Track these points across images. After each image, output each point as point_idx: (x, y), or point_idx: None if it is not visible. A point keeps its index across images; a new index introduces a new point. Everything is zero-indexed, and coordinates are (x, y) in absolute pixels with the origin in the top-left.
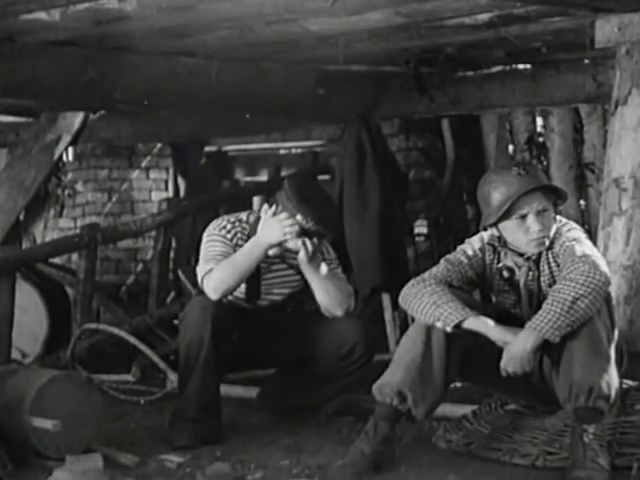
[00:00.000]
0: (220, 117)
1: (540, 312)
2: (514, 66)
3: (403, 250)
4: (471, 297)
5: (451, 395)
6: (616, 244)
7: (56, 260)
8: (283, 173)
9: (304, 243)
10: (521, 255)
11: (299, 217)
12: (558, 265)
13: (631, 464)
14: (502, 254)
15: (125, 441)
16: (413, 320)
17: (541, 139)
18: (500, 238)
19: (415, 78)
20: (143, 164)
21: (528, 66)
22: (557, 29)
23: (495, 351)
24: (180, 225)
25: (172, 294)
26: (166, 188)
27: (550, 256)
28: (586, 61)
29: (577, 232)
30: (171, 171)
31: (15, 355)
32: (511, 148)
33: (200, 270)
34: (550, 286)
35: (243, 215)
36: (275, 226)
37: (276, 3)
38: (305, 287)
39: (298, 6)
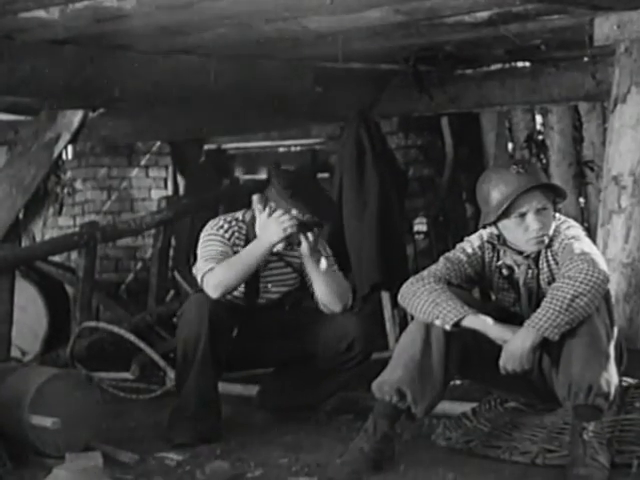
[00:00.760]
0: (219, 115)
1: (539, 310)
2: (513, 64)
3: (402, 248)
4: (470, 295)
5: (450, 393)
6: (615, 242)
7: (55, 258)
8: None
9: (305, 236)
10: (520, 253)
11: (294, 212)
12: (557, 263)
13: (631, 462)
14: (501, 252)
15: (124, 439)
16: (412, 318)
17: (540, 137)
18: (499, 236)
19: (414, 76)
20: (142, 162)
21: (527, 64)
22: (556, 27)
23: (494, 349)
24: (179, 223)
25: (171, 292)
26: (165, 186)
27: (549, 254)
28: (585, 59)
29: (576, 230)
30: (170, 169)
31: (15, 353)
32: (510, 146)
33: (199, 269)
34: (549, 284)
35: (239, 214)
36: (273, 225)
37: (275, 1)
38: (302, 285)
39: (297, 4)
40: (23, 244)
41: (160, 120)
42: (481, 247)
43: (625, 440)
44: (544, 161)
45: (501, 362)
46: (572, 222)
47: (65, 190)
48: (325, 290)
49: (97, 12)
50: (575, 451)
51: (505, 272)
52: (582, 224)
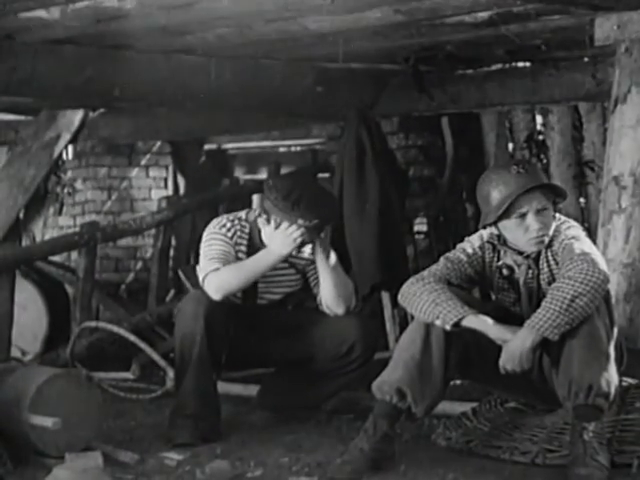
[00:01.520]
0: (219, 115)
1: (539, 310)
2: (514, 64)
3: (403, 248)
4: (470, 295)
5: (451, 393)
6: (616, 242)
7: (56, 258)
8: (282, 171)
9: (318, 237)
10: (520, 253)
11: (301, 221)
12: (557, 263)
13: (631, 461)
14: (502, 252)
15: (125, 439)
16: (412, 318)
17: (541, 137)
18: (500, 236)
19: (415, 76)
20: (143, 162)
21: (528, 64)
22: (557, 27)
23: (494, 349)
24: (180, 223)
25: (172, 292)
26: (166, 186)
27: (549, 254)
28: (586, 59)
29: (576, 230)
30: (171, 169)
31: (15, 353)
32: (511, 146)
33: (203, 268)
34: (549, 284)
35: (242, 213)
36: (282, 238)
37: (276, 1)
38: (305, 286)
39: (298, 4)
40: (23, 244)
41: (160, 120)
42: (481, 247)
43: (625, 440)
44: (544, 161)
45: (501, 362)
46: (572, 222)
47: (65, 190)
48: (331, 291)
49: (97, 12)
50: (575, 451)
51: (505, 272)
52: (582, 224)
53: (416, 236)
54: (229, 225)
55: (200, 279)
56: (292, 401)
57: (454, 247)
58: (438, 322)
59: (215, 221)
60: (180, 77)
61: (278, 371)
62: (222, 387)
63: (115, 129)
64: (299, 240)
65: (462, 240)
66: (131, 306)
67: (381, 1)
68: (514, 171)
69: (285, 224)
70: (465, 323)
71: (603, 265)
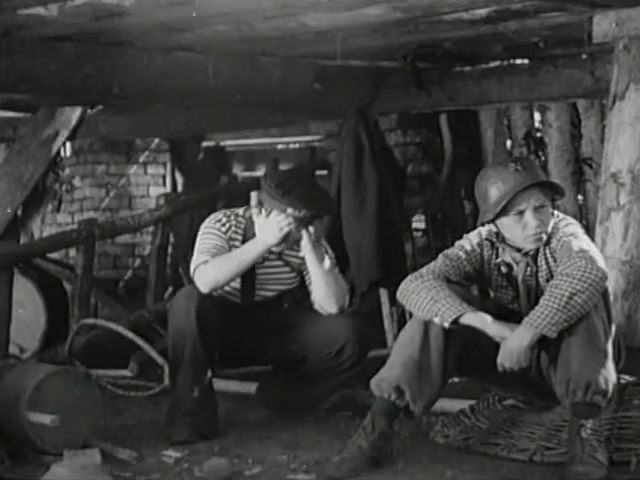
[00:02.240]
0: (218, 112)
1: (537, 308)
2: (512, 61)
3: (401, 245)
4: (469, 292)
5: (449, 390)
6: (614, 239)
7: (54, 255)
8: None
9: (306, 229)
10: (519, 250)
11: (290, 210)
12: (555, 260)
13: (629, 459)
14: (500, 249)
15: (123, 436)
16: (411, 315)
17: (539, 134)
18: (498, 234)
19: (413, 73)
20: (141, 159)
21: (526, 61)
22: (555, 24)
23: (493, 346)
24: (178, 220)
25: (170, 289)
26: (164, 183)
27: (548, 251)
28: (584, 56)
29: (574, 227)
30: (169, 166)
31: (13, 350)
32: (509, 143)
33: (194, 262)
34: (548, 281)
35: (240, 210)
36: (270, 226)
37: None
38: (302, 284)
39: (296, 1)
40: (21, 241)
41: (159, 117)
42: (480, 244)
43: (623, 437)
44: (542, 158)
45: (499, 359)
46: (570, 219)
47: (63, 187)
48: (323, 290)
49: (96, 9)
50: (573, 448)
51: (504, 269)
52: (581, 221)
53: (414, 233)
54: (224, 220)
55: (191, 271)
56: (290, 399)
57: (452, 244)
58: (436, 319)
59: (212, 216)
60: (179, 74)
61: (275, 370)
62: (220, 385)
63: (113, 126)
64: (286, 230)
65: (460, 237)
66: (129, 303)
67: None
68: (512, 168)
69: (274, 212)
70: (463, 320)
71: (601, 262)
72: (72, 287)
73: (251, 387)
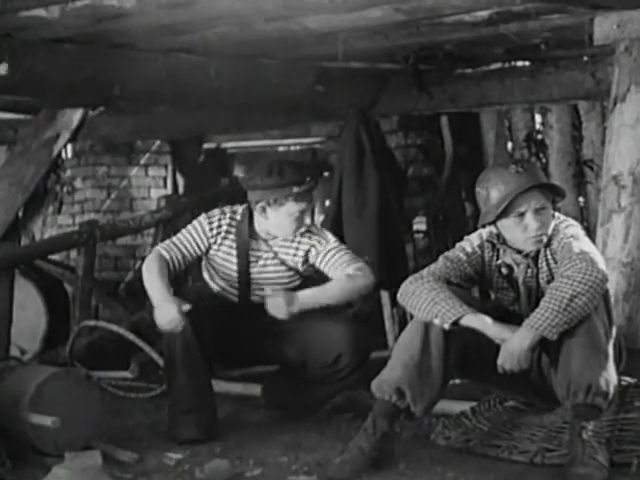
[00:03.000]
0: (219, 114)
1: (538, 310)
2: (513, 63)
3: (402, 247)
4: (469, 294)
5: (450, 392)
6: (615, 241)
7: (55, 257)
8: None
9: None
10: (520, 252)
11: (296, 189)
12: (556, 262)
13: (630, 461)
14: (501, 251)
15: (124, 438)
16: (412, 317)
17: (540, 136)
18: (499, 235)
19: (414, 75)
20: (142, 161)
21: (527, 63)
22: (556, 26)
23: (493, 348)
24: (179, 222)
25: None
26: (165, 185)
27: (548, 253)
28: (585, 58)
29: (575, 229)
30: (170, 168)
31: (14, 352)
32: (510, 145)
33: (159, 245)
34: (549, 283)
35: (239, 207)
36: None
37: (276, 0)
38: (301, 283)
39: (297, 3)
40: (22, 243)
41: (160, 119)
42: (481, 246)
43: (624, 439)
44: (543, 160)
45: (499, 361)
46: (571, 221)
47: (64, 189)
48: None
49: (97, 11)
50: (574, 450)
51: (504, 271)
52: (581, 223)
53: (415, 235)
54: (217, 216)
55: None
56: (293, 401)
57: (453, 246)
58: (437, 321)
59: (211, 211)
60: (180, 76)
61: (279, 372)
62: (222, 386)
63: (114, 128)
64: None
65: (461, 239)
66: (130, 305)
67: (381, 0)
68: (513, 170)
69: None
70: (464, 322)
71: (602, 264)
72: (73, 289)
73: (252, 389)
